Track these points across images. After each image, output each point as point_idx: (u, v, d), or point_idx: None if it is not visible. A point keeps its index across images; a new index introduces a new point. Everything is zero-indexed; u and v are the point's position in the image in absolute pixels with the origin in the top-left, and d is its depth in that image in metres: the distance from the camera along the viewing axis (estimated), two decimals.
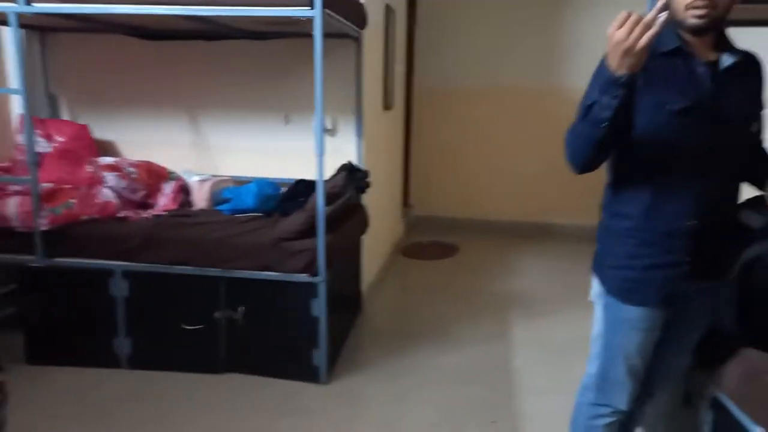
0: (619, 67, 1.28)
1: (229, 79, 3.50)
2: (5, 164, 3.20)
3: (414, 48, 5.32)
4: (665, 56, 1.46)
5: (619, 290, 1.58)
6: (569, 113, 1.56)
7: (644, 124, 1.45)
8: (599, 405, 1.70)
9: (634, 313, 1.57)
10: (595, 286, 1.66)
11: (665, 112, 1.44)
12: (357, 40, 3.26)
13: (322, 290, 2.65)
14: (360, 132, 3.37)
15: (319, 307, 2.67)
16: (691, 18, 1.41)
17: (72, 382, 2.70)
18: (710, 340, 1.70)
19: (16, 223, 2.72)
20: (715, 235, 1.51)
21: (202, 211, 3.16)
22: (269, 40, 3.34)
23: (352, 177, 3.10)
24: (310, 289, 2.67)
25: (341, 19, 2.73)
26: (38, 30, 3.44)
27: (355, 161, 3.34)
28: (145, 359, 2.81)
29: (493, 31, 5.33)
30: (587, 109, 1.39)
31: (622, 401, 1.66)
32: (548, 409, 2.58)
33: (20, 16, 2.58)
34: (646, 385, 1.71)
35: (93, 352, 2.82)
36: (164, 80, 3.53)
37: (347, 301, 3.37)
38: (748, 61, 1.54)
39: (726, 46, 1.51)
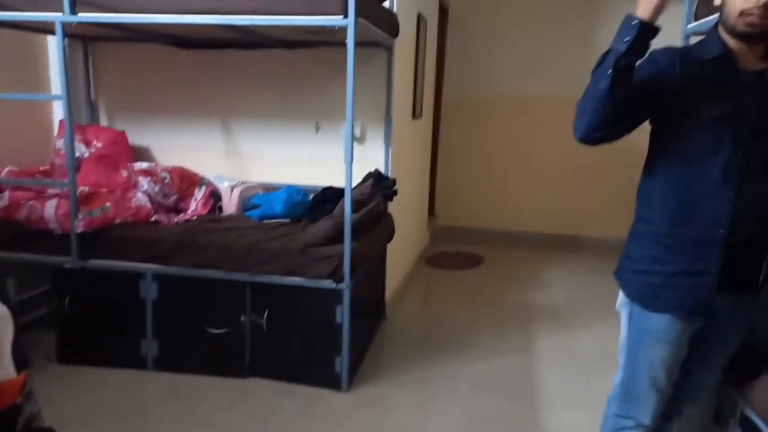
0: (640, 12, 1.31)
1: (262, 87, 3.57)
2: (45, 167, 3.31)
3: (444, 58, 5.35)
4: (709, 63, 1.45)
5: (641, 296, 1.56)
6: None
7: (679, 128, 1.44)
8: (623, 417, 1.67)
9: (657, 324, 1.54)
10: (621, 295, 1.65)
11: (701, 119, 1.42)
12: (389, 49, 3.29)
13: (346, 297, 2.67)
14: (388, 140, 3.40)
15: (343, 313, 2.69)
16: (743, 25, 1.39)
17: (99, 382, 2.77)
18: (743, 357, 1.66)
19: (53, 226, 2.81)
20: (746, 247, 1.48)
21: (231, 216, 3.22)
22: (301, 49, 3.40)
23: (380, 185, 3.12)
24: (334, 295, 2.69)
25: (374, 28, 2.76)
26: (81, 39, 3.56)
27: (382, 169, 3.36)
28: (171, 361, 2.86)
29: (524, 41, 5.32)
30: (601, 59, 1.39)
31: (645, 415, 1.63)
32: (572, 423, 2.54)
33: (65, 25, 2.68)
34: (674, 401, 1.68)
35: (121, 353, 2.89)
36: (199, 88, 3.62)
37: (371, 308, 3.38)
38: None
39: None
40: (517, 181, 5.58)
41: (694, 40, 2.31)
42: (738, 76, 1.43)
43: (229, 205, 3.31)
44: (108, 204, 2.89)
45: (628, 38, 1.31)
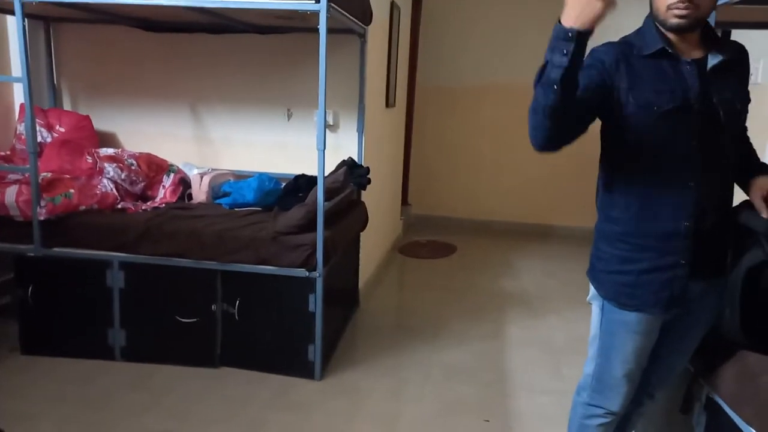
0: (574, 21, 1.23)
1: (233, 73, 3.50)
2: (5, 153, 3.19)
3: (418, 46, 5.32)
4: (650, 58, 1.45)
5: (615, 295, 1.57)
6: None
7: (633, 126, 1.44)
8: (593, 405, 1.70)
9: (631, 317, 1.55)
10: (592, 289, 1.66)
11: (653, 114, 1.42)
12: (362, 37, 3.26)
13: (319, 285, 2.65)
14: (361, 128, 3.37)
15: (316, 302, 2.67)
16: (673, 18, 1.40)
17: (65, 373, 2.70)
18: (709, 342, 1.69)
19: (14, 212, 2.72)
20: (712, 236, 1.50)
21: (201, 204, 3.16)
22: (273, 34, 3.34)
23: (353, 173, 3.10)
24: (307, 284, 2.66)
25: (346, 14, 2.73)
26: (42, 19, 3.44)
27: (355, 158, 3.33)
28: (140, 351, 2.81)
29: (496, 29, 5.33)
30: (540, 72, 1.32)
31: (615, 403, 1.65)
32: (542, 409, 2.58)
33: (25, 4, 2.58)
34: (644, 386, 1.71)
35: (88, 344, 2.82)
36: (167, 73, 3.53)
37: (344, 296, 3.37)
38: (734, 54, 1.51)
39: (712, 42, 1.49)
40: (490, 170, 5.61)
41: None
42: (680, 67, 1.44)
43: (199, 192, 3.24)
44: (72, 191, 2.81)
45: (567, 51, 1.24)
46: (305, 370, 2.73)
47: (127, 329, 2.80)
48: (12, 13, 2.80)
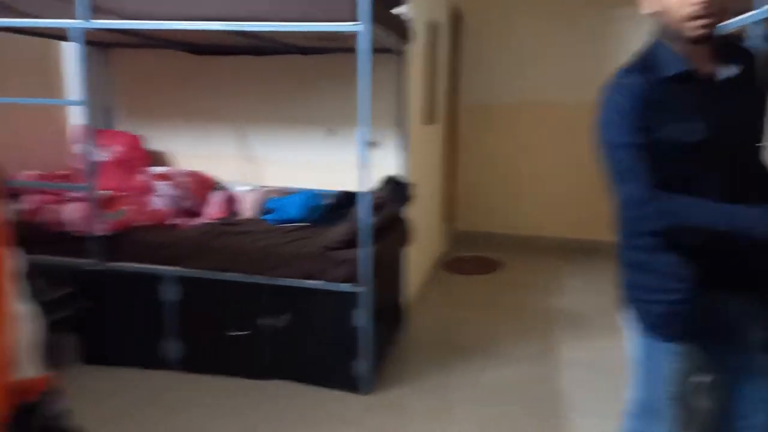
0: None
1: (276, 93, 3.58)
2: (65, 172, 3.34)
3: (459, 64, 5.33)
4: (672, 82, 1.38)
5: (652, 326, 1.48)
6: None
7: (662, 156, 1.36)
8: None
9: (672, 345, 1.47)
10: (627, 310, 1.59)
11: (681, 146, 1.36)
12: (401, 55, 3.29)
13: (363, 300, 2.65)
14: (403, 145, 3.39)
15: (360, 316, 2.67)
16: (694, 30, 1.33)
17: (120, 382, 2.79)
18: None
19: (74, 228, 2.83)
20: (750, 253, 1.41)
21: (247, 220, 3.22)
22: (314, 55, 3.41)
23: (396, 189, 3.11)
24: (351, 298, 2.67)
25: (386, 34, 2.76)
26: (96, 45, 3.61)
27: (397, 174, 3.35)
28: (192, 362, 2.87)
29: (538, 47, 5.30)
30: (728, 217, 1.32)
31: (665, 430, 1.56)
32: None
33: (84, 32, 2.71)
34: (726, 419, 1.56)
35: (142, 354, 2.90)
36: (214, 94, 3.64)
37: (388, 312, 3.36)
38: (746, 62, 1.43)
39: (726, 53, 1.41)
40: (535, 186, 5.53)
41: None
42: (702, 90, 1.38)
43: (246, 209, 3.31)
44: (127, 208, 2.91)
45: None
46: (351, 385, 2.73)
47: (180, 340, 2.87)
48: (70, 40, 2.95)
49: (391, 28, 2.84)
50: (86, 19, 2.65)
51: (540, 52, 5.29)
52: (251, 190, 3.36)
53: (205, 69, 3.61)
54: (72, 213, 2.84)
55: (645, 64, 1.43)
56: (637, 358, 1.57)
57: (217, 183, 3.47)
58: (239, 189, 3.41)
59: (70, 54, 3.53)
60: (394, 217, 3.23)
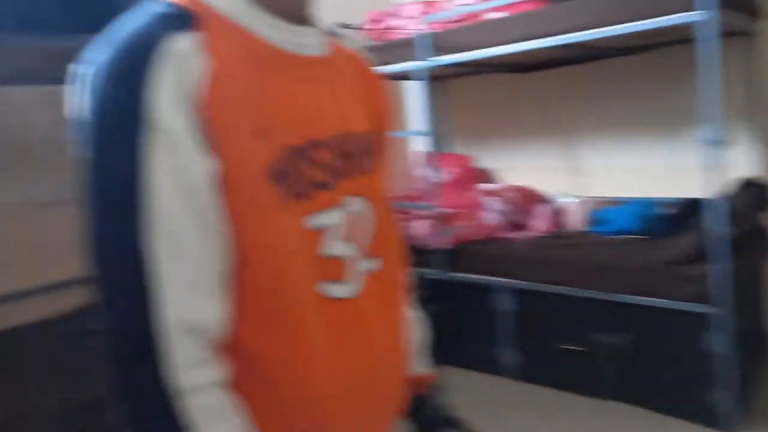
0: None
1: (602, 99, 3.47)
2: (414, 193, 3.83)
3: None
4: None
5: None
6: None
7: None
8: None
9: None
10: None
11: None
12: (750, 36, 2.83)
13: (716, 322, 2.35)
14: (761, 142, 2.90)
15: (718, 341, 2.37)
16: None
17: (457, 382, 2.98)
18: None
19: (422, 242, 3.23)
20: None
21: (576, 232, 3.19)
22: (640, 53, 3.18)
23: (753, 194, 2.68)
24: (701, 320, 2.40)
25: (735, 16, 2.42)
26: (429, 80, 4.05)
27: (752, 175, 2.88)
28: (528, 372, 2.96)
29: None
30: None
31: None
32: None
33: (426, 70, 3.09)
34: None
35: (478, 358, 3.12)
36: (538, 108, 3.72)
37: (748, 338, 2.89)
38: None
39: None
40: None
41: None
42: None
43: (573, 221, 3.28)
44: (465, 223, 3.19)
45: None
46: (708, 419, 2.43)
47: (514, 349, 2.99)
48: (412, 78, 3.39)
49: (738, 8, 2.48)
50: (428, 59, 3.01)
51: None
52: (578, 202, 3.32)
53: (528, 86, 3.71)
54: (419, 229, 3.23)
55: None
56: None
57: (544, 196, 3.53)
58: (565, 201, 3.39)
59: (410, 90, 4.04)
60: (751, 227, 2.79)
